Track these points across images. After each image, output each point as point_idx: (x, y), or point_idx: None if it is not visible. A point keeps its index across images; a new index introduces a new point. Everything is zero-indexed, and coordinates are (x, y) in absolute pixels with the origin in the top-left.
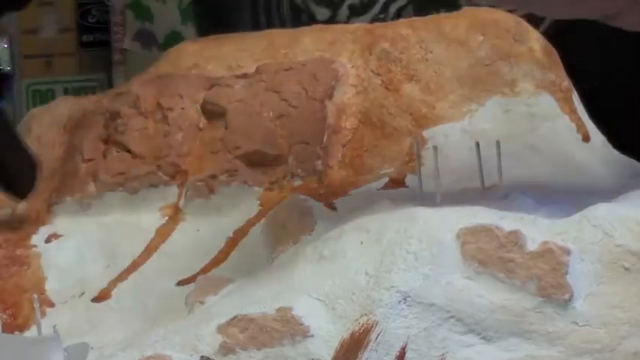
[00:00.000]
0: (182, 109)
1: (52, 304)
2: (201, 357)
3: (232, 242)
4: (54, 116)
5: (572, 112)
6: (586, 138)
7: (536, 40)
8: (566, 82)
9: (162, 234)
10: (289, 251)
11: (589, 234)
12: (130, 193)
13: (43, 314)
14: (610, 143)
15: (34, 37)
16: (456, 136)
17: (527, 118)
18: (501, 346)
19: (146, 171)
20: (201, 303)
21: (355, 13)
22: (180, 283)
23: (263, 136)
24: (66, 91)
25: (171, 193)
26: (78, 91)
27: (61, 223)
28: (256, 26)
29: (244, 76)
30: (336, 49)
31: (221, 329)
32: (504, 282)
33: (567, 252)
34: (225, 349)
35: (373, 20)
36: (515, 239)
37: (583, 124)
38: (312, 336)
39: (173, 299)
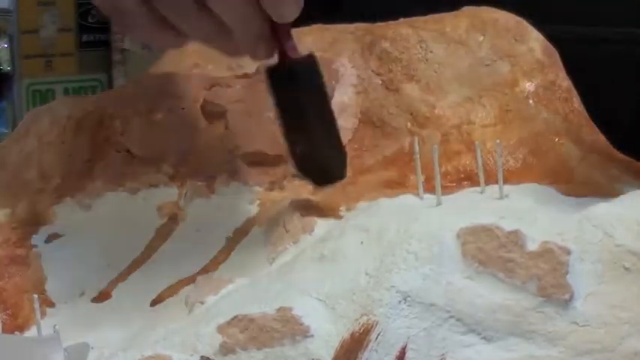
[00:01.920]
0: (182, 109)
1: (52, 304)
2: (201, 357)
3: (232, 242)
4: (54, 116)
5: (572, 112)
6: (586, 138)
7: (536, 40)
8: (567, 83)
9: (162, 234)
10: (289, 251)
11: (589, 234)
12: (130, 193)
13: (43, 314)
14: (610, 143)
15: (34, 37)
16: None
17: (527, 118)
18: (501, 346)
19: (146, 171)
20: (201, 303)
21: None
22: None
23: (263, 136)
24: (66, 91)
25: (172, 193)
26: (78, 91)
27: (61, 223)
28: None
29: (244, 76)
30: (336, 49)
31: (221, 329)
32: (504, 282)
33: (567, 252)
34: (225, 349)
35: None
36: (515, 239)
37: (583, 124)
38: (312, 336)
39: (173, 299)
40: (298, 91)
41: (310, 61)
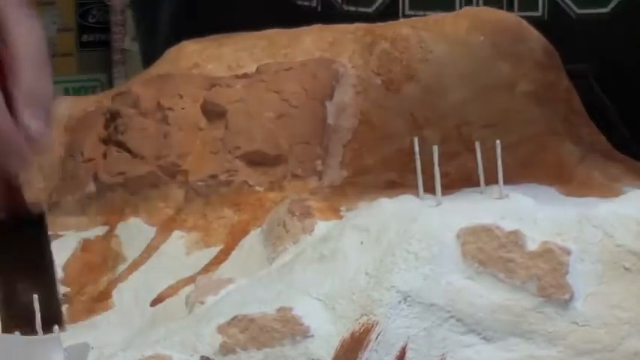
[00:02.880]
0: (182, 109)
1: None
2: (201, 357)
3: (232, 242)
4: (54, 116)
5: (572, 112)
6: (586, 138)
7: (536, 40)
8: (567, 83)
9: (163, 234)
10: (289, 251)
11: (589, 234)
12: (130, 193)
13: None
14: (611, 143)
15: None
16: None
17: (527, 118)
18: (501, 346)
19: (146, 171)
20: (201, 303)
21: None
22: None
23: (263, 136)
24: (66, 91)
25: (172, 193)
26: (78, 91)
27: (61, 223)
28: None
29: (244, 76)
30: (336, 49)
31: (221, 329)
32: (504, 282)
33: (567, 252)
34: (226, 349)
35: None
36: (515, 239)
37: (583, 124)
38: (312, 336)
39: (173, 299)
40: (22, 249)
41: (39, 220)
